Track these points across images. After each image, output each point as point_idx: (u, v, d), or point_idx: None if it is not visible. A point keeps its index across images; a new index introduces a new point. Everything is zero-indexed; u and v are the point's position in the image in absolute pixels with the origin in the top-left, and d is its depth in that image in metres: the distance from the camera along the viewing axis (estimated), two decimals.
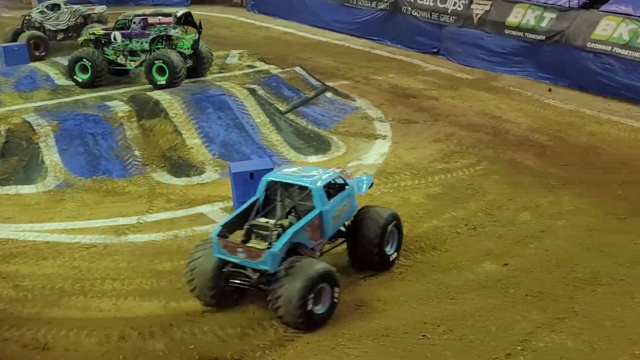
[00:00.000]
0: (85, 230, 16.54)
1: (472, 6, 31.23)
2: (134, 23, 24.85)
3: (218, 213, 17.27)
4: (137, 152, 20.11)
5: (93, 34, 25.29)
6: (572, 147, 21.38)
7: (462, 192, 18.21)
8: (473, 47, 30.67)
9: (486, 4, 30.79)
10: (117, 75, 25.56)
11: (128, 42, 24.78)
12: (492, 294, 13.55)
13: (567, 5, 28.22)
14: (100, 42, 25.02)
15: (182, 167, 19.78)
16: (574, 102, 25.54)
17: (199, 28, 25.26)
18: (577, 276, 14.11)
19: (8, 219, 17.27)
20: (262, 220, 13.04)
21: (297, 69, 26.60)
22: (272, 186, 13.54)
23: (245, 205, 13.47)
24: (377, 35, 35.48)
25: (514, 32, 29.39)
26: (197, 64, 25.20)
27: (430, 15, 32.85)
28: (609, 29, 26.38)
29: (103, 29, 25.81)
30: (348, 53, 33.63)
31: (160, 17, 24.98)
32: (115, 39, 24.83)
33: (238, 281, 12.83)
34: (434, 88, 27.51)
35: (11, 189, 18.78)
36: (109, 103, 21.95)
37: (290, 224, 13.09)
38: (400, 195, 18.07)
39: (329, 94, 25.48)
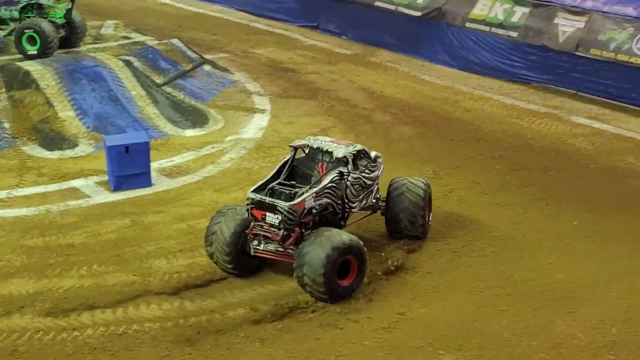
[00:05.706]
0: None
1: None
2: None
3: (92, 187, 16.93)
4: (6, 125, 19.44)
5: None
6: (449, 122, 21.83)
7: None
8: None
9: None
10: None
11: None
12: None
13: None
14: None
15: (54, 140, 19.20)
16: (449, 79, 26.03)
17: None
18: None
19: None
20: None
21: (175, 40, 26.05)
22: None
23: None
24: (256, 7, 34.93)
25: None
26: (70, 34, 24.25)
27: None
28: (485, 9, 26.92)
29: None
30: (226, 26, 33.22)
31: None
32: None
33: None
34: (313, 62, 27.46)
35: None
36: None
37: None
38: None
39: (206, 67, 25.11)
